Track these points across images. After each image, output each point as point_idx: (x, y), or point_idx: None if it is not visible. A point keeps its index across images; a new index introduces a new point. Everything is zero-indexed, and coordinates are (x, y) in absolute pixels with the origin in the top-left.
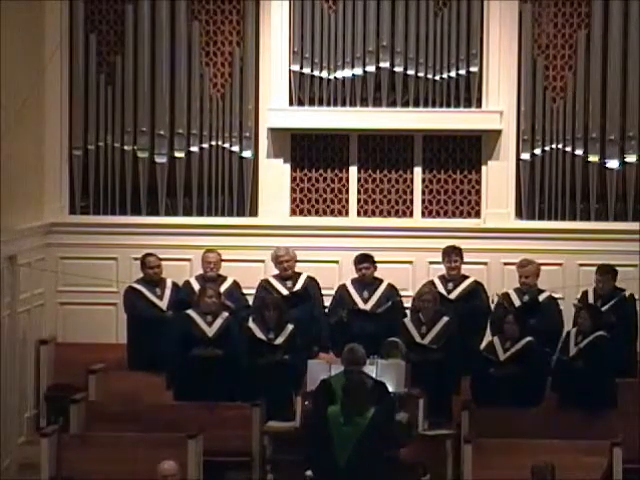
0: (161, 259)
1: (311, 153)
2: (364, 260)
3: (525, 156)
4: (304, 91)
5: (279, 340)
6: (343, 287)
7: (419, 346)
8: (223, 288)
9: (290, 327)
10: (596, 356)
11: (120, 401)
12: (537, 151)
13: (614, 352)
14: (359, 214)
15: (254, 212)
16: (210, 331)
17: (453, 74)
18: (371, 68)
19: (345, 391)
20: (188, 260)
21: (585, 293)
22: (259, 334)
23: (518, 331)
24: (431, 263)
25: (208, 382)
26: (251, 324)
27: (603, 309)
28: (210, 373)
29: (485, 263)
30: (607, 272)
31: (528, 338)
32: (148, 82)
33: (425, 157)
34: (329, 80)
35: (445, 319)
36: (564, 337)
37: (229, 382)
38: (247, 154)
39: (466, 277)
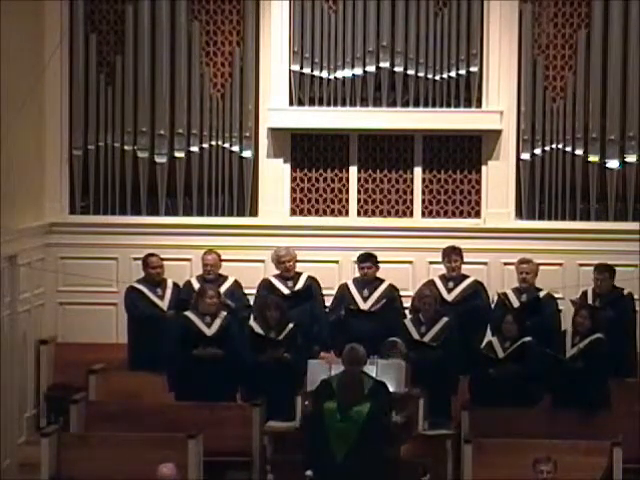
0: (163, 259)
1: (311, 153)
2: (366, 259)
3: (525, 156)
4: (304, 91)
5: (280, 337)
6: (345, 286)
7: (418, 344)
8: (224, 288)
9: (291, 325)
10: (594, 358)
11: (120, 401)
12: (537, 151)
13: (611, 354)
14: (359, 214)
15: (254, 212)
16: (209, 331)
17: (453, 74)
18: (371, 68)
19: (340, 387)
20: (188, 260)
21: (584, 293)
22: (260, 331)
23: (517, 331)
24: (431, 263)
25: (209, 382)
26: (252, 323)
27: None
28: (211, 373)
29: (485, 263)
30: (605, 270)
31: (527, 338)
32: (148, 82)
33: (425, 157)
34: (329, 80)
35: (445, 319)
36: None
37: (230, 382)
38: (247, 154)
39: (466, 276)
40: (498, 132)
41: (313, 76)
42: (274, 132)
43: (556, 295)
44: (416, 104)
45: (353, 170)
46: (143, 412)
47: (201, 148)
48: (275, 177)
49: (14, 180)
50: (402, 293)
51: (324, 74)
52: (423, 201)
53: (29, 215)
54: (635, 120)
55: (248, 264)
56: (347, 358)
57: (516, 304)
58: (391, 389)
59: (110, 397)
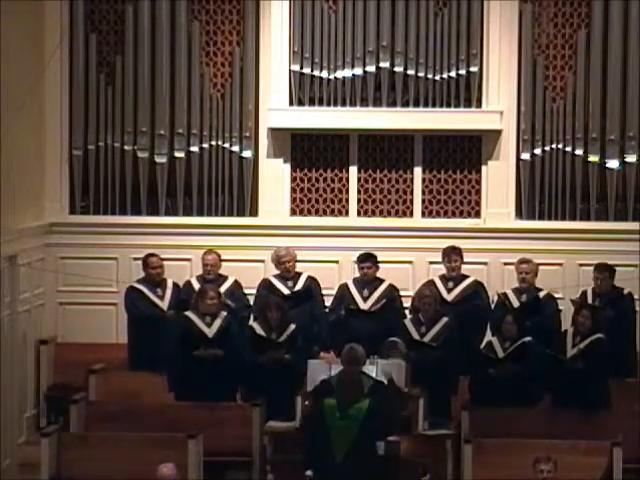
0: (163, 259)
1: (311, 153)
2: (366, 259)
3: (525, 156)
4: (304, 91)
5: (281, 339)
6: (345, 286)
7: (418, 344)
8: (224, 288)
9: (292, 327)
10: (594, 358)
11: (120, 401)
12: (537, 151)
13: (611, 354)
14: (359, 214)
15: (254, 212)
16: (210, 332)
17: (453, 74)
18: (371, 68)
19: (340, 385)
20: (188, 260)
21: (584, 293)
22: (261, 332)
23: (517, 331)
24: (431, 263)
25: (209, 382)
26: (253, 323)
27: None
28: (211, 373)
29: (485, 263)
30: (605, 270)
31: (527, 338)
32: (148, 82)
33: (425, 157)
34: (329, 80)
35: (445, 319)
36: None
37: (230, 382)
38: (247, 154)
39: (466, 276)
40: (498, 132)
41: (313, 76)
42: (274, 132)
43: (556, 295)
44: (416, 104)
45: (353, 170)
46: (143, 412)
47: (201, 148)
48: (275, 177)
49: (14, 180)
50: (402, 293)
51: (324, 74)
52: (423, 201)
53: (29, 215)
54: (635, 120)
55: (248, 264)
56: (346, 358)
57: (516, 304)
58: None
59: (110, 397)
